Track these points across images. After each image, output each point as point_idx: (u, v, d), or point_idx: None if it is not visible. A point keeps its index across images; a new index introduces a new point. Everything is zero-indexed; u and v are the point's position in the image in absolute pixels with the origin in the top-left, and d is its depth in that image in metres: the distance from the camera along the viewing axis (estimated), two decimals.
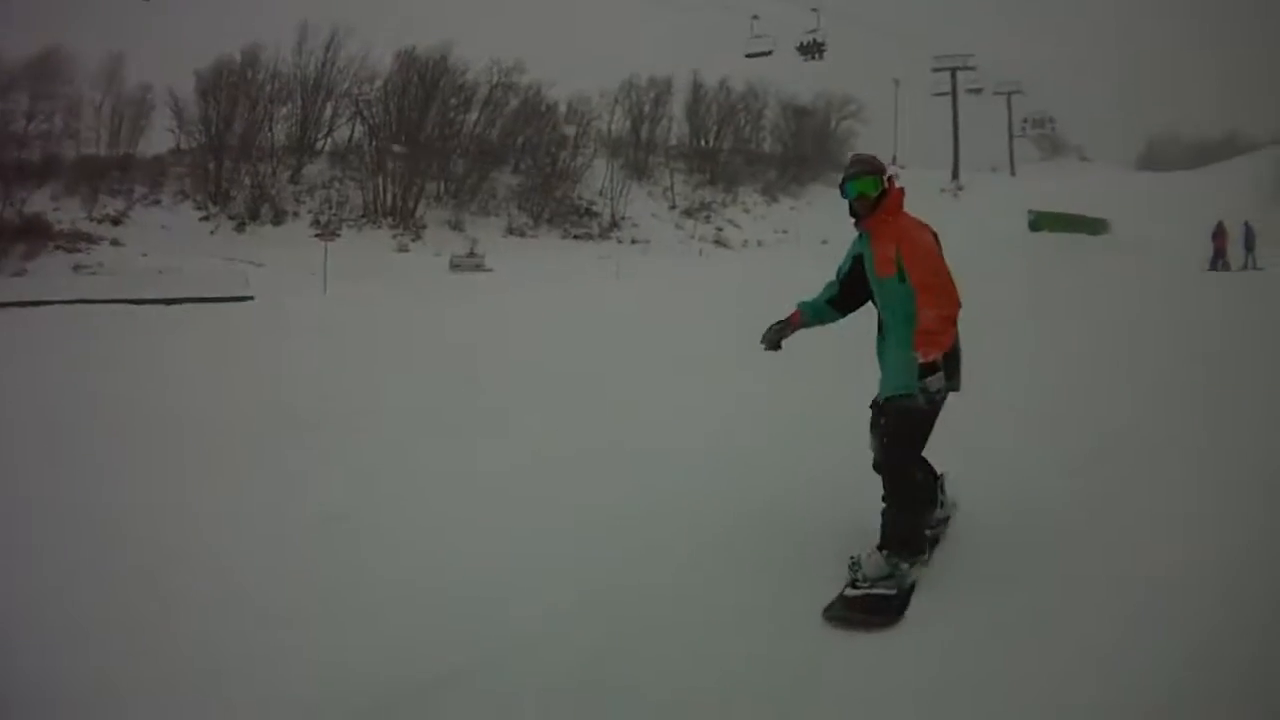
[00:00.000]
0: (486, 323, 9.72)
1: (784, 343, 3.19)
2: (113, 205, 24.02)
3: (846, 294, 3.14)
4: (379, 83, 31.91)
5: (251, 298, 15.49)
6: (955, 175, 42.51)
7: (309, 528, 3.42)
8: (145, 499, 3.79)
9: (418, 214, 29.80)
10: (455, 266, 24.87)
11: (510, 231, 32.03)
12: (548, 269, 22.15)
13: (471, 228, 30.37)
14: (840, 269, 3.16)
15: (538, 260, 25.24)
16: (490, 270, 24.36)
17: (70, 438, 4.73)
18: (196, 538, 3.35)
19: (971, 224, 19.24)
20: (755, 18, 34.17)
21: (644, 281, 15.76)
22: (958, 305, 2.85)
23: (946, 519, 3.17)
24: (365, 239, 26.51)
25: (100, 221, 23.17)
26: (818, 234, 25.22)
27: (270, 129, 29.30)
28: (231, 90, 28.67)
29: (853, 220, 3.04)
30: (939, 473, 3.11)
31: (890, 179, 3.03)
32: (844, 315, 3.20)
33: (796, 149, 43.19)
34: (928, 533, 2.97)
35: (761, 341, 3.19)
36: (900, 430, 2.86)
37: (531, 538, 3.21)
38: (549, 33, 45.02)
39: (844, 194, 3.04)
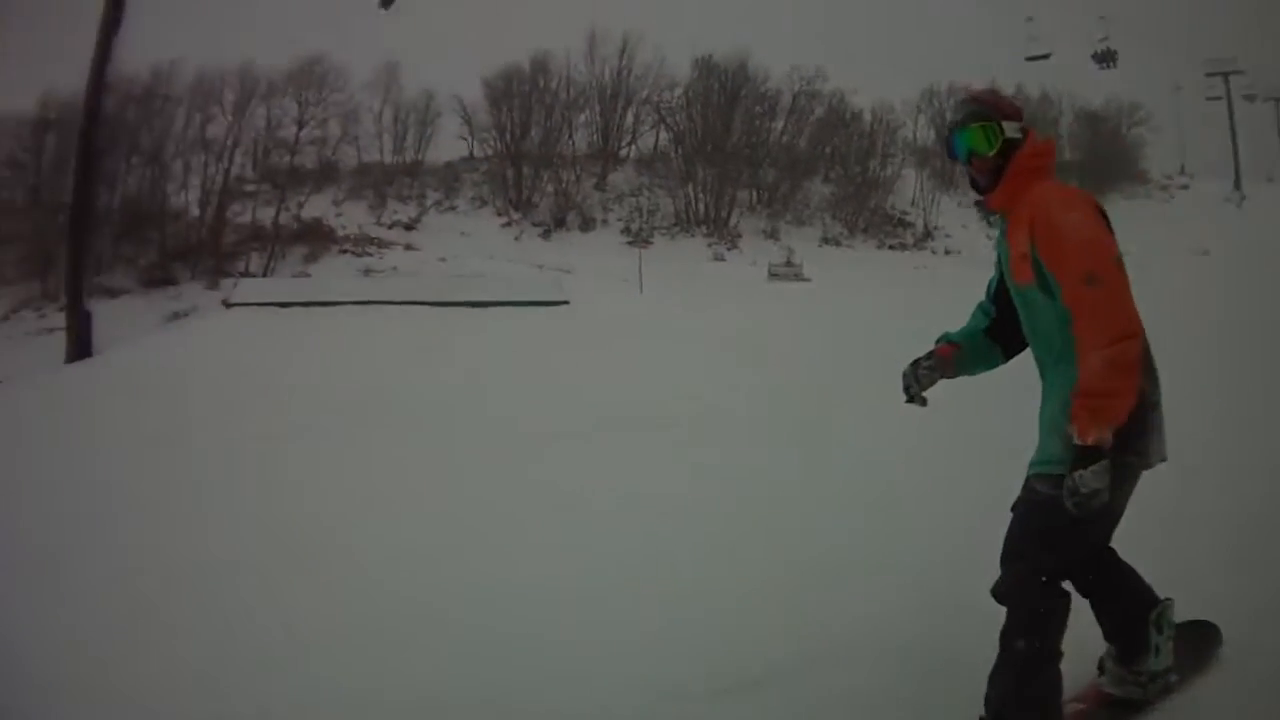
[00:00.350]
0: (813, 329, 9.39)
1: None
2: (404, 211, 23.27)
3: (1004, 320, 2.19)
4: (679, 90, 30.49)
5: (567, 302, 15.16)
6: (1238, 185, 38.44)
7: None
8: (479, 495, 4.28)
9: (731, 223, 28.25)
10: (774, 275, 23.87)
11: (825, 241, 29.95)
12: (864, 278, 21.50)
13: (787, 237, 28.46)
14: (990, 283, 2.26)
15: (854, 269, 24.37)
16: (808, 280, 23.29)
17: (408, 433, 5.25)
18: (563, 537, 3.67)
19: (1262, 236, 17.21)
20: (1029, 19, 32.51)
21: (961, 291, 14.19)
22: (1137, 333, 1.86)
23: (1164, 682, 2.07)
24: (678, 247, 25.41)
25: (391, 226, 22.02)
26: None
27: (570, 136, 28.36)
28: (524, 98, 27.66)
29: (975, 202, 2.21)
30: (1160, 600, 2.08)
31: (1023, 127, 2.05)
32: (1008, 354, 2.25)
33: (1095, 156, 38.59)
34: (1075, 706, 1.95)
35: (905, 391, 2.28)
36: (1029, 526, 1.95)
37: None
38: (842, 39, 42.48)
39: (951, 154, 2.11)
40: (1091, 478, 1.77)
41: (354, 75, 23.68)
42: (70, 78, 18.33)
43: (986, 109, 2.05)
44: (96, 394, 9.57)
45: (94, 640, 3.22)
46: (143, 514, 4.89)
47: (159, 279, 19.15)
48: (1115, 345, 1.80)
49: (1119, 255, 1.92)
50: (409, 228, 22.53)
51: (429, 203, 24.12)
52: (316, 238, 20.30)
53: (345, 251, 20.14)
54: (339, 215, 22.00)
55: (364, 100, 24.24)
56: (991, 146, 1.99)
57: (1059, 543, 1.90)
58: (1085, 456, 1.78)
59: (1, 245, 20.37)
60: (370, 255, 20.24)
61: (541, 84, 28.38)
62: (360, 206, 22.78)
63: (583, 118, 29.11)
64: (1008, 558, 1.98)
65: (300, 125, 21.54)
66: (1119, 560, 2.11)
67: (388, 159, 24.98)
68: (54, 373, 13.07)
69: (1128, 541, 2.13)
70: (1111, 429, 1.79)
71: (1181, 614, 2.20)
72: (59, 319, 17.47)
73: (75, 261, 15.69)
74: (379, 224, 22.20)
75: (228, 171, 20.50)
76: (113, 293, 18.76)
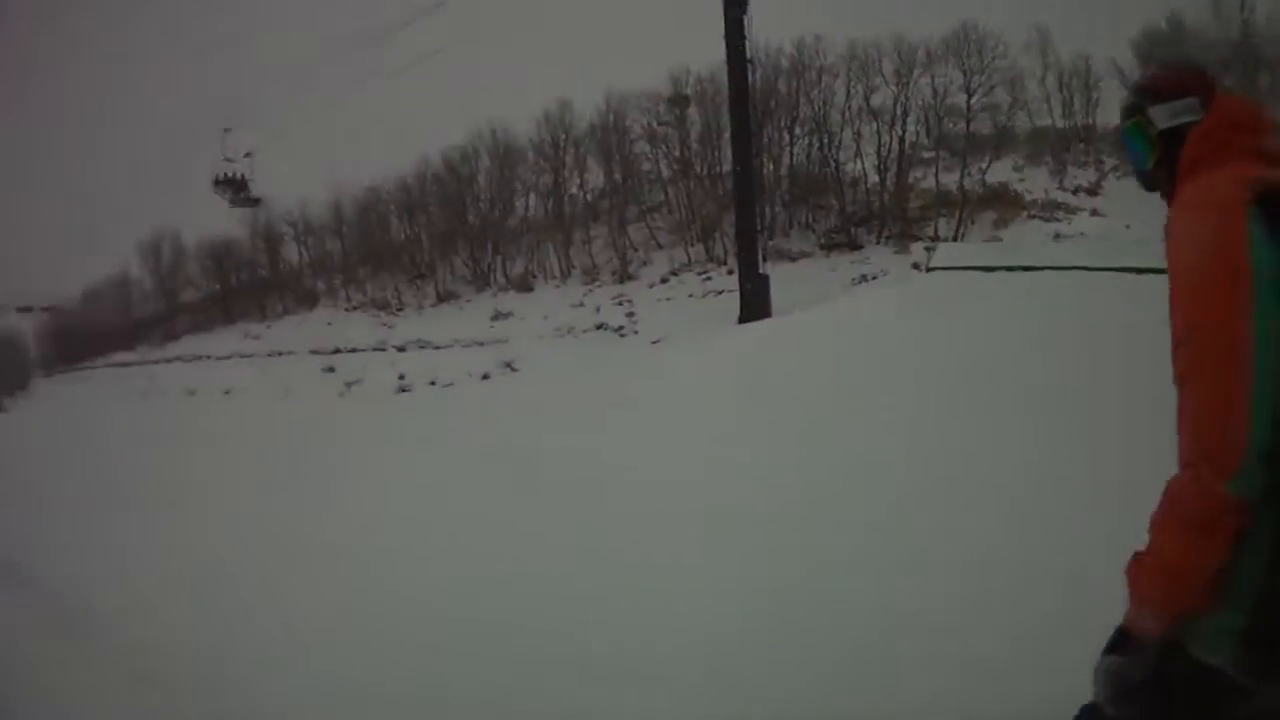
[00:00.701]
0: None
1: None
2: (1083, 175, 21.08)
3: None
4: None
5: None
6: None
7: None
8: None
9: None
10: None
11: None
12: None
13: None
14: None
15: None
16: None
17: None
18: None
19: None
20: None
21: None
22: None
23: None
24: None
25: (1074, 192, 20.41)
26: None
27: None
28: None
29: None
30: None
31: (1202, 100, 1.34)
32: None
33: None
34: None
35: None
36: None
37: None
38: None
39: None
40: (1118, 669, 1.19)
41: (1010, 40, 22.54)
42: (702, 54, 20.17)
43: (1149, 88, 1.39)
44: (776, 351, 9.86)
45: None
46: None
47: (840, 243, 20.35)
48: (1192, 471, 1.10)
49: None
50: (1091, 193, 20.39)
51: (1106, 168, 21.49)
52: (1004, 203, 19.90)
53: (1033, 217, 19.25)
54: (1021, 180, 21.02)
55: (1025, 65, 22.48)
56: (1145, 149, 1.37)
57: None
58: (1122, 637, 1.20)
59: (650, 213, 23.48)
60: (1058, 220, 18.96)
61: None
62: (1040, 171, 21.43)
63: None
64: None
65: (969, 93, 21.31)
66: None
67: (1058, 123, 22.93)
68: (729, 332, 13.44)
69: None
70: (1162, 613, 1.13)
71: None
72: (725, 281, 19.07)
73: (746, 226, 16.37)
74: (1061, 188, 20.60)
75: (902, 139, 20.89)
76: (791, 257, 20.22)
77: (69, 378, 35.40)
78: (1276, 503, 1.08)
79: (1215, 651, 1.11)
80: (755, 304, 15.21)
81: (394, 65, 25.34)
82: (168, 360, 30.12)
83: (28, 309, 40.47)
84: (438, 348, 21.54)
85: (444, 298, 24.80)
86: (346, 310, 26.82)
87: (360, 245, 28.06)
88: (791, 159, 22.05)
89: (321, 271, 29.51)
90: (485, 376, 18.43)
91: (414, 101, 34.24)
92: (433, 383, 19.46)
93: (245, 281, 31.60)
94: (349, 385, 21.29)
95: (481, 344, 20.45)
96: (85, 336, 36.70)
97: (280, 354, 25.73)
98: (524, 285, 23.75)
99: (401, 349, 22.56)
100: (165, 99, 58.77)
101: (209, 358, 28.46)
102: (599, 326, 20.07)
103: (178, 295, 34.49)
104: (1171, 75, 1.42)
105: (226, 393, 23.63)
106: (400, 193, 26.70)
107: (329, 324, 26.13)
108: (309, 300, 28.89)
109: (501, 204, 24.91)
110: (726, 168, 19.58)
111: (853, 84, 21.22)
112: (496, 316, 22.14)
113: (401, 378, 20.48)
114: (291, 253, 30.56)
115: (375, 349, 23.16)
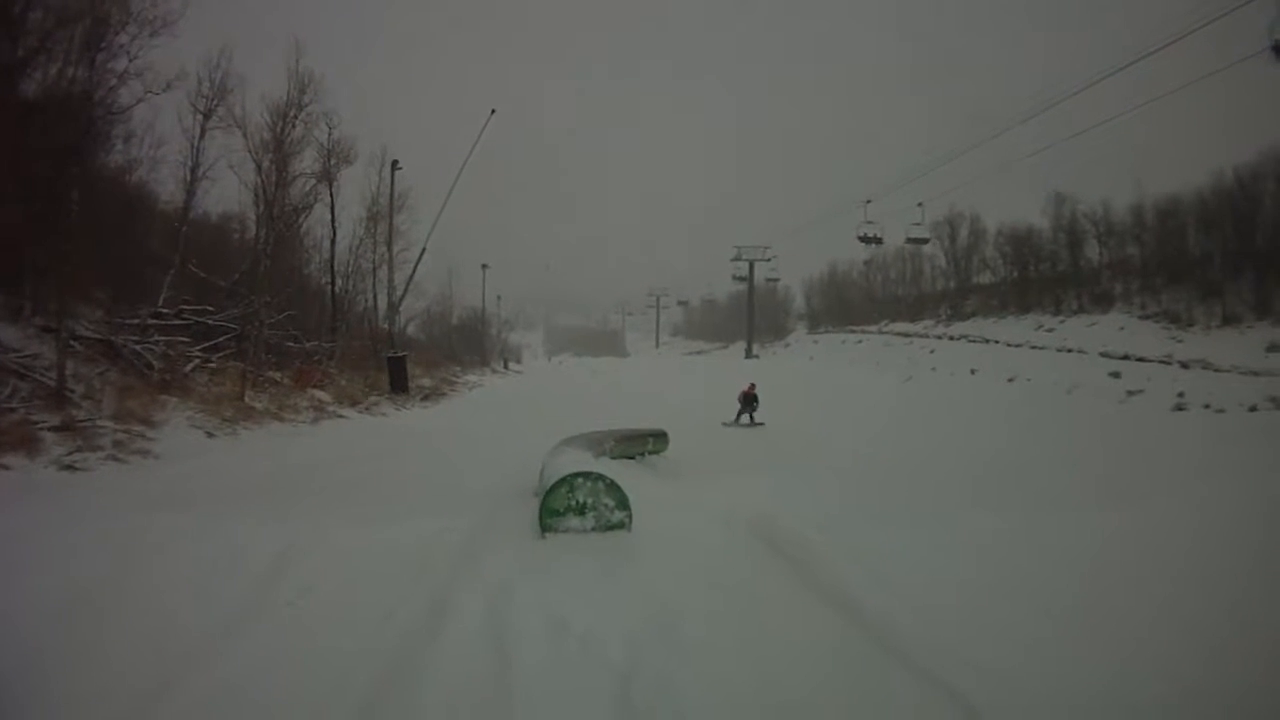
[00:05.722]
0: None
1: None
2: None
3: None
4: None
5: None
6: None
7: None
8: None
9: None
10: None
11: None
12: None
13: None
14: None
15: None
16: None
17: None
18: None
19: None
20: None
21: None
22: None
23: None
24: None
25: None
26: None
27: None
28: None
29: None
30: None
31: None
32: None
33: None
34: None
35: None
36: None
37: None
38: None
39: None
40: None
41: None
42: None
43: None
44: None
45: None
46: None
47: None
48: None
49: None
50: None
51: None
52: None
53: None
54: None
55: None
56: None
57: None
58: None
59: None
60: None
61: None
62: None
63: None
64: None
65: None
66: None
67: None
68: None
69: None
70: None
71: None
72: None
73: None
74: None
75: None
76: None
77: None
78: None
79: None
80: None
81: None
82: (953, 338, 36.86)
83: None
84: (1218, 370, 22.89)
85: (1229, 320, 24.95)
86: (1139, 318, 29.03)
87: (1157, 253, 29.77)
88: None
89: (1120, 275, 31.80)
90: (1253, 409, 19.64)
91: None
92: (1206, 406, 21.25)
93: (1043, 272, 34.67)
94: (1129, 394, 24.44)
95: (1256, 374, 21.15)
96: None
97: (1069, 351, 29.93)
98: None
99: (1185, 365, 24.43)
100: None
101: (996, 342, 33.49)
102: None
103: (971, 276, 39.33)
104: None
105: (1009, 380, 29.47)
106: (1198, 204, 27.60)
107: (1120, 329, 29.03)
108: (1104, 302, 31.94)
109: None
110: None
111: None
112: (1272, 348, 22.09)
113: (1180, 395, 22.68)
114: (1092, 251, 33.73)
115: (1161, 361, 25.41)
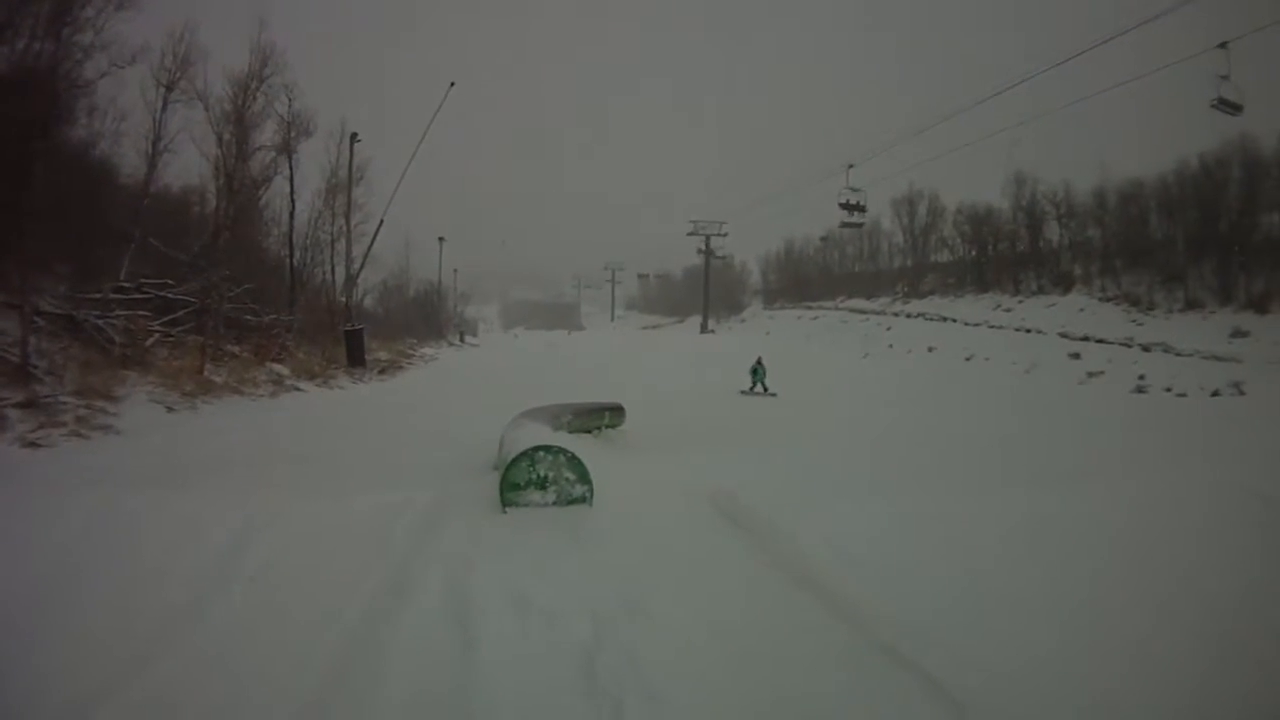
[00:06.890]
0: None
1: None
2: None
3: None
4: None
5: None
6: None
7: None
8: None
9: None
10: None
11: None
12: None
13: None
14: None
15: None
16: None
17: None
18: None
19: None
20: None
21: None
22: None
23: None
24: None
25: None
26: None
27: None
28: None
29: None
30: None
31: None
32: None
33: None
34: None
35: None
36: None
37: None
38: None
39: None
40: None
41: None
42: None
43: None
44: None
45: None
46: None
47: None
48: None
49: None
50: None
51: None
52: None
53: None
54: None
55: None
56: None
57: None
58: None
59: None
60: None
61: None
62: None
63: None
64: None
65: None
66: None
67: None
68: None
69: None
70: None
71: None
72: None
73: None
74: None
75: None
76: None
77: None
78: None
79: None
80: None
81: None
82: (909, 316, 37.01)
83: None
84: (1179, 354, 23.44)
85: (1191, 305, 25.51)
86: (1100, 300, 29.47)
87: (1119, 236, 30.27)
88: None
89: (1080, 257, 32.09)
90: (1215, 394, 20.22)
91: None
92: (1168, 389, 21.78)
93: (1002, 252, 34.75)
94: (1090, 375, 24.94)
95: (1219, 359, 21.73)
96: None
97: (1028, 331, 30.22)
98: (1263, 306, 23.21)
99: (1146, 349, 24.92)
100: None
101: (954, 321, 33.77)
102: None
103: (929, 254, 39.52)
104: None
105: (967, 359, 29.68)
106: (1161, 189, 28.10)
107: (1080, 310, 29.54)
108: (1063, 283, 32.27)
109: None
110: None
111: None
112: (1235, 334, 22.64)
113: (1141, 378, 23.19)
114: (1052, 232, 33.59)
115: (1122, 344, 25.78)
